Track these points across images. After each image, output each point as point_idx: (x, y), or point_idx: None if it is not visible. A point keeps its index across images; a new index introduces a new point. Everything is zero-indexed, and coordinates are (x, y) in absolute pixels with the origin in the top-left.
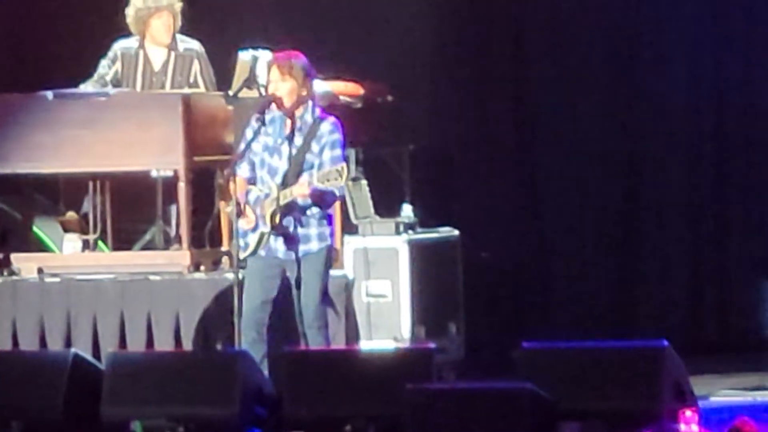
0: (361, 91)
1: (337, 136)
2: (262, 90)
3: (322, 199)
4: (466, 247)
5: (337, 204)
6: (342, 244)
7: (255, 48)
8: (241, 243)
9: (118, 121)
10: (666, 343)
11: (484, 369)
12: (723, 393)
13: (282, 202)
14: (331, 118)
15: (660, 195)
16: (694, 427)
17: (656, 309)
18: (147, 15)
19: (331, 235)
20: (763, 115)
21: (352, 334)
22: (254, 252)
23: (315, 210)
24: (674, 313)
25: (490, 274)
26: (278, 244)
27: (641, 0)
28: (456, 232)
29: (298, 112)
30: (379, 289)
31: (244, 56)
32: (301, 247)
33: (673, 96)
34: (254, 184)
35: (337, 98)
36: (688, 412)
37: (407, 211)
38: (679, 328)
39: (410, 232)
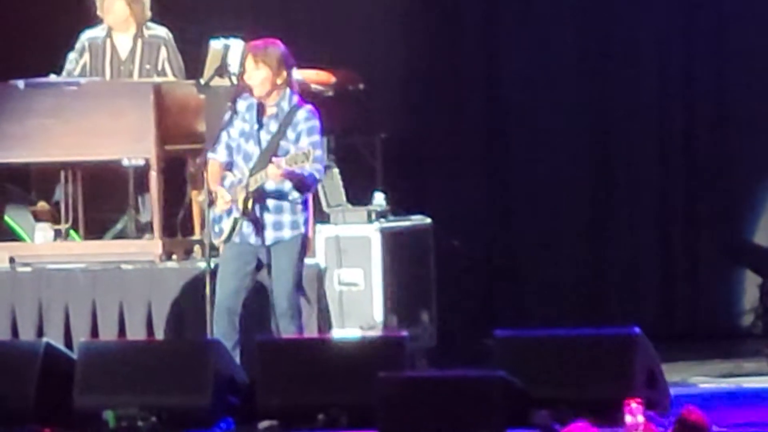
0: (332, 79)
1: (314, 122)
2: (234, 79)
3: (300, 182)
4: (438, 235)
5: None
6: (314, 232)
7: (226, 37)
8: (216, 229)
9: (89, 110)
10: (638, 330)
11: (456, 357)
12: (695, 380)
13: (253, 187)
14: (308, 106)
15: (631, 184)
16: (640, 418)
17: (628, 296)
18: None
19: (306, 223)
20: (731, 107)
21: (325, 322)
22: (228, 238)
23: (289, 196)
24: (646, 300)
25: (462, 262)
26: (250, 231)
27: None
28: (428, 220)
29: (273, 100)
30: (351, 277)
31: (216, 45)
32: (274, 234)
33: (644, 90)
34: (230, 170)
35: (308, 87)
36: (634, 404)
37: (379, 199)
38: (651, 316)
39: (382, 220)
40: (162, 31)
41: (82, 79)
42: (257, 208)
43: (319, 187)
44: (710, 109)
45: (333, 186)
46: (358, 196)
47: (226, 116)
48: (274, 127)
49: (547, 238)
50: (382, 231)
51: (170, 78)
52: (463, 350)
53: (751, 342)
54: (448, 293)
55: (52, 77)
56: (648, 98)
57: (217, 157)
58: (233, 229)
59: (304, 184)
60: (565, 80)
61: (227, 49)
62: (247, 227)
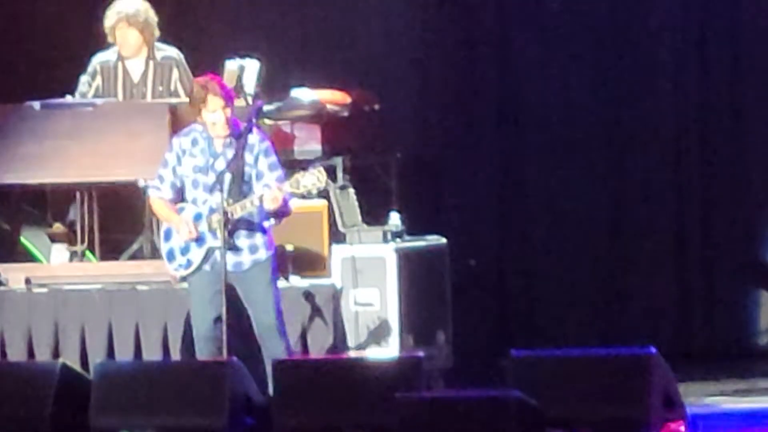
0: (348, 99)
1: (267, 143)
2: (249, 99)
3: (284, 207)
4: (454, 255)
5: (325, 212)
6: (330, 252)
7: (242, 57)
8: (183, 261)
9: (104, 131)
10: (654, 350)
11: (472, 377)
12: (711, 400)
13: (239, 215)
14: (255, 129)
15: (647, 201)
16: None
17: (644, 316)
18: (113, 27)
19: (272, 240)
20: (748, 127)
21: (340, 342)
22: (198, 268)
23: (263, 219)
24: (663, 320)
25: (477, 281)
26: (227, 257)
27: (628, 16)
28: (444, 240)
29: (226, 130)
30: (366, 297)
31: (231, 65)
32: (251, 257)
33: (660, 112)
34: (181, 200)
35: (324, 107)
36: (677, 426)
37: (395, 219)
38: (668, 335)
39: (398, 240)
40: (173, 52)
41: (98, 100)
42: (235, 234)
43: (335, 207)
44: (727, 128)
45: (348, 206)
46: (373, 216)
47: (173, 153)
48: (229, 154)
49: (563, 259)
50: (398, 251)
51: (184, 98)
52: (479, 370)
53: None
54: (464, 313)
55: (68, 98)
56: (664, 118)
57: (163, 195)
58: (205, 258)
59: (285, 209)
60: (582, 102)
61: (242, 70)
62: (221, 254)
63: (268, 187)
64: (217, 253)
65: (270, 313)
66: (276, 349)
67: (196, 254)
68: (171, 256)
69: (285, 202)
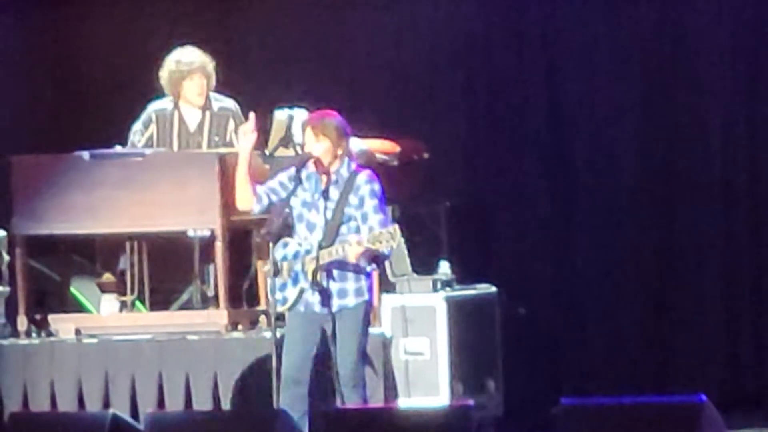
0: (397, 148)
1: (374, 185)
2: (298, 149)
3: (375, 259)
4: (504, 303)
5: None
6: (380, 302)
7: (291, 107)
8: (279, 297)
9: (154, 181)
10: (704, 397)
11: (523, 425)
12: None
13: (326, 261)
14: (367, 170)
15: (696, 247)
16: None
17: (694, 363)
18: (179, 77)
19: (369, 289)
20: None
21: (391, 392)
22: (293, 307)
23: (355, 264)
24: (712, 367)
25: (528, 330)
26: (314, 299)
27: (675, 55)
28: (493, 289)
29: (333, 167)
30: (417, 346)
31: (280, 115)
32: (338, 302)
33: (709, 150)
34: (290, 235)
35: (373, 156)
36: None
37: (444, 268)
38: (717, 382)
39: (448, 289)
40: (230, 103)
41: (148, 150)
42: (323, 276)
43: None
44: None
45: (398, 255)
46: (423, 265)
47: (285, 174)
48: (335, 194)
49: (613, 305)
50: (448, 300)
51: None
52: (530, 419)
53: None
54: (514, 361)
55: (118, 148)
56: (712, 167)
57: (261, 201)
58: (298, 298)
59: (379, 259)
60: (631, 150)
61: (291, 120)
62: (312, 296)
63: (349, 243)
64: (309, 294)
65: (347, 363)
66: (349, 400)
67: (291, 293)
68: (274, 290)
69: (375, 254)
